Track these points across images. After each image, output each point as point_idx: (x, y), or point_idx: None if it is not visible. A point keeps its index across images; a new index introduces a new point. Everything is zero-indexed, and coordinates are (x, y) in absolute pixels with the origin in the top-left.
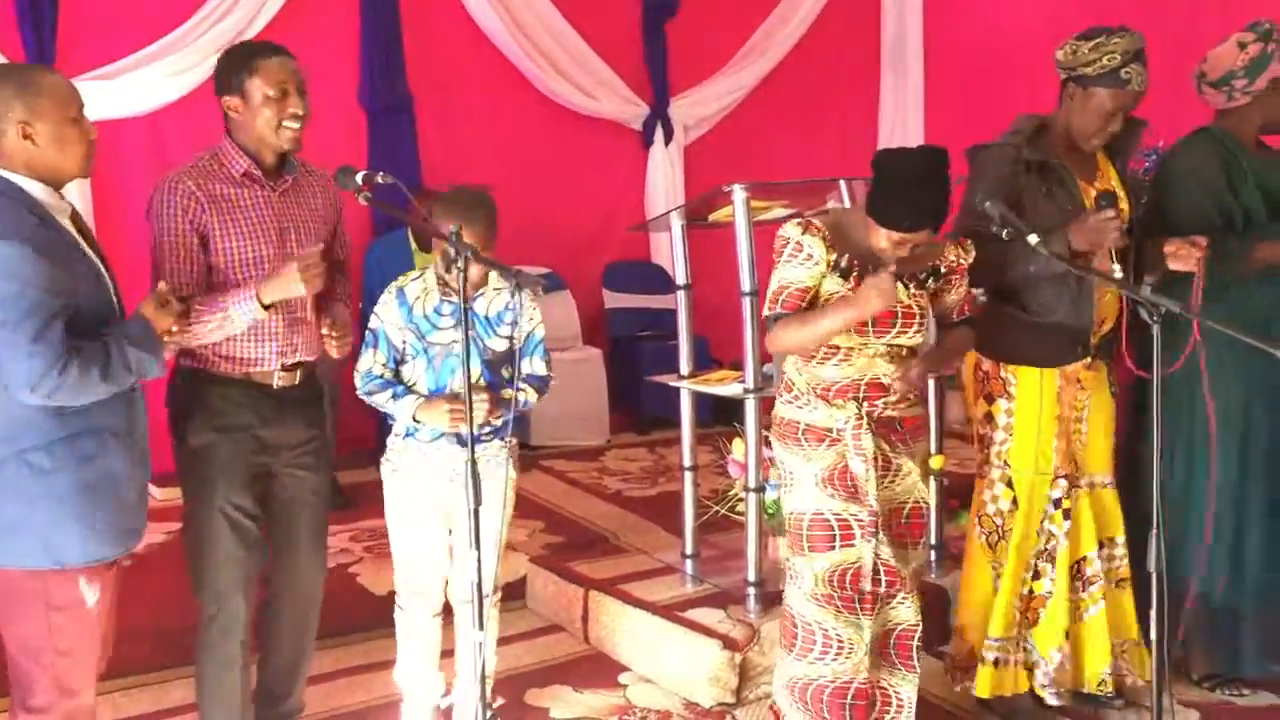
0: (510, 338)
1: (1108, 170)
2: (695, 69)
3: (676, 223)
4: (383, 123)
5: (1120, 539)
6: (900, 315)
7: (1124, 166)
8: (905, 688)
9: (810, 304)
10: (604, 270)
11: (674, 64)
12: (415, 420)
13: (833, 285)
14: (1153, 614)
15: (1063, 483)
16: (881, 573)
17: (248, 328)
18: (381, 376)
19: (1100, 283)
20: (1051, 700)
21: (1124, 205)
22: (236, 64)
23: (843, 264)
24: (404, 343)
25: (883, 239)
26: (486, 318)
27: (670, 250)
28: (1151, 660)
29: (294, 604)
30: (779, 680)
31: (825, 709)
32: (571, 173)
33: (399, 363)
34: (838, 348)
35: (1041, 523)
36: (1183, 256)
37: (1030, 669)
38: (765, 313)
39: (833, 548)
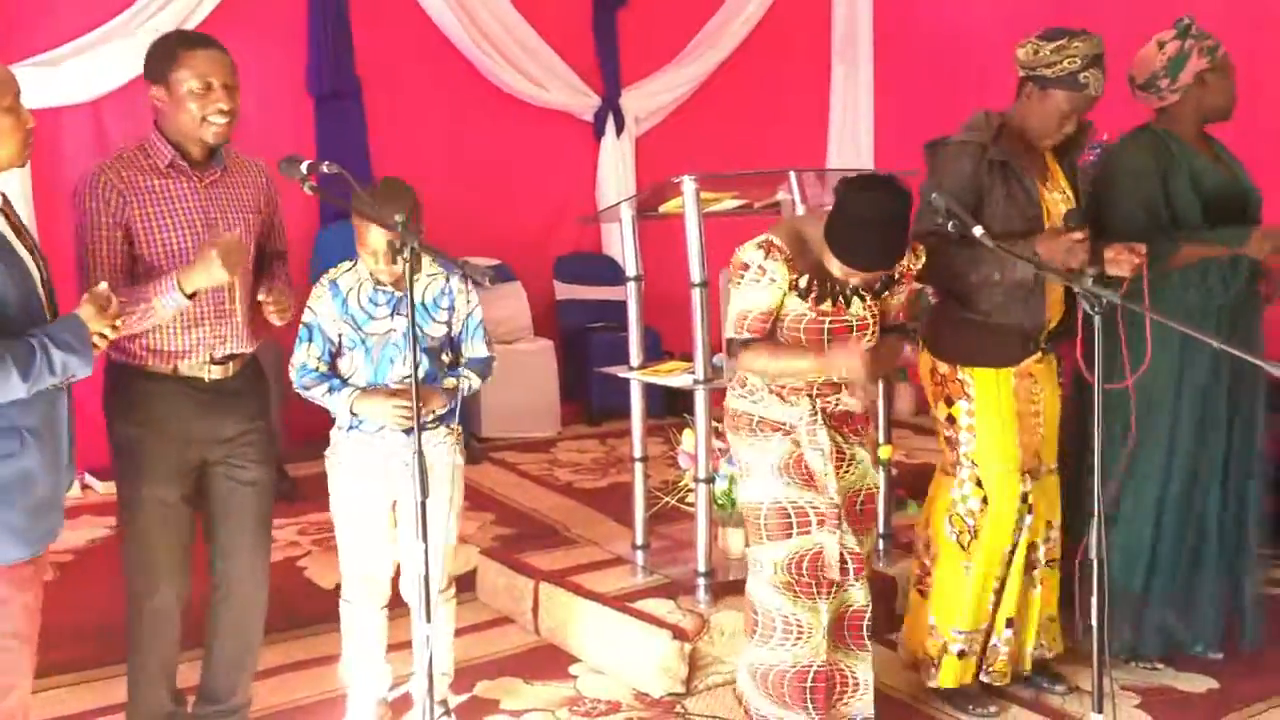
0: (448, 323)
1: (1056, 170)
2: (646, 60)
3: (627, 214)
4: (330, 110)
5: (1057, 521)
6: (855, 328)
7: (1071, 166)
8: (861, 667)
9: (774, 321)
10: (555, 262)
11: (625, 55)
12: (353, 413)
13: (794, 305)
14: (1094, 601)
15: (1027, 478)
16: (849, 561)
17: (173, 319)
18: (317, 370)
19: (1050, 278)
20: (996, 682)
21: (1067, 195)
22: (163, 54)
23: (802, 285)
24: (340, 335)
25: (838, 269)
26: (423, 304)
27: (621, 242)
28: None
29: (237, 598)
30: (743, 667)
31: (787, 693)
32: (522, 164)
33: (334, 356)
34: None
35: (1016, 521)
36: (1121, 262)
37: (980, 654)
38: (730, 335)
39: (790, 535)
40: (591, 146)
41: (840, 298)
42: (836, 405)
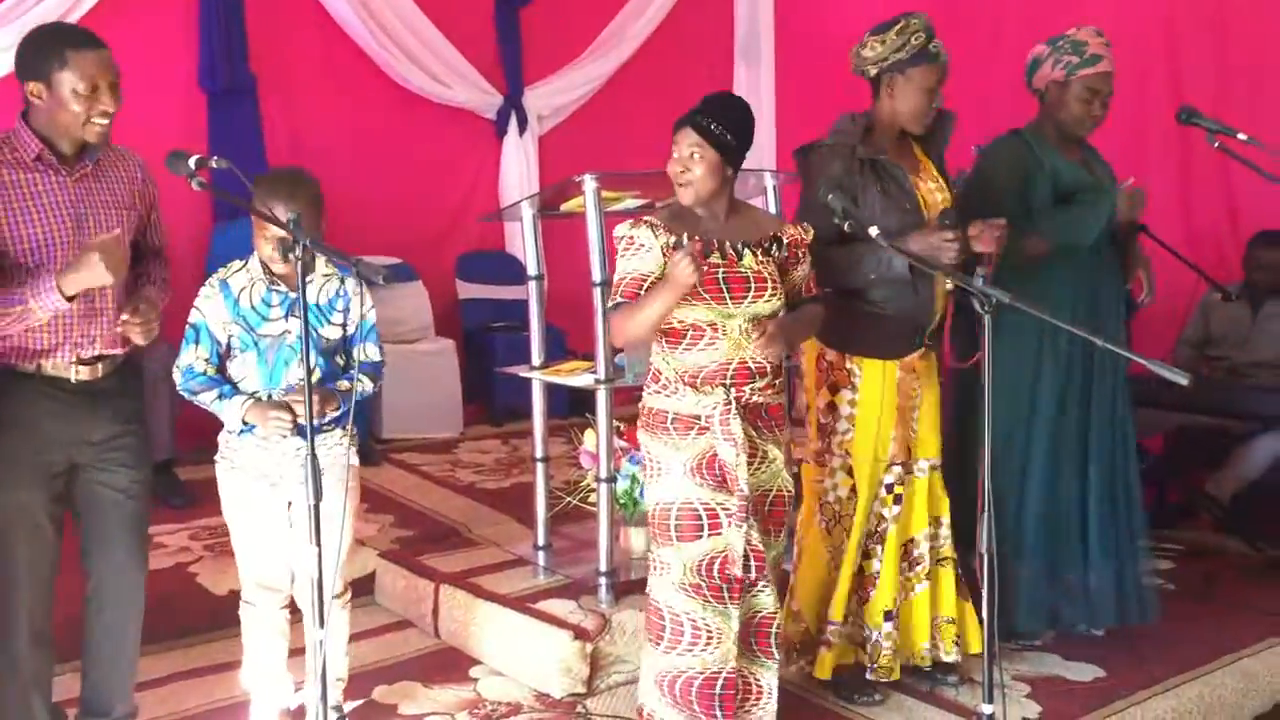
0: (343, 324)
1: (926, 162)
2: (550, 58)
3: (527, 212)
4: (224, 106)
5: (945, 519)
6: (752, 281)
7: (940, 158)
8: (766, 675)
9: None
10: (457, 260)
11: (528, 53)
12: (245, 422)
13: None
14: (984, 593)
15: (897, 469)
16: (751, 559)
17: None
18: (204, 374)
19: (939, 275)
20: (882, 678)
21: (945, 196)
22: (45, 52)
23: (684, 242)
24: (230, 337)
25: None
26: (318, 305)
27: (523, 241)
28: (971, 633)
29: (112, 605)
30: (647, 677)
31: (695, 700)
32: (423, 161)
33: (223, 358)
34: (703, 330)
35: (873, 507)
36: (984, 238)
37: (861, 645)
38: (608, 304)
39: (700, 536)
40: (494, 145)
41: (731, 251)
42: (750, 396)
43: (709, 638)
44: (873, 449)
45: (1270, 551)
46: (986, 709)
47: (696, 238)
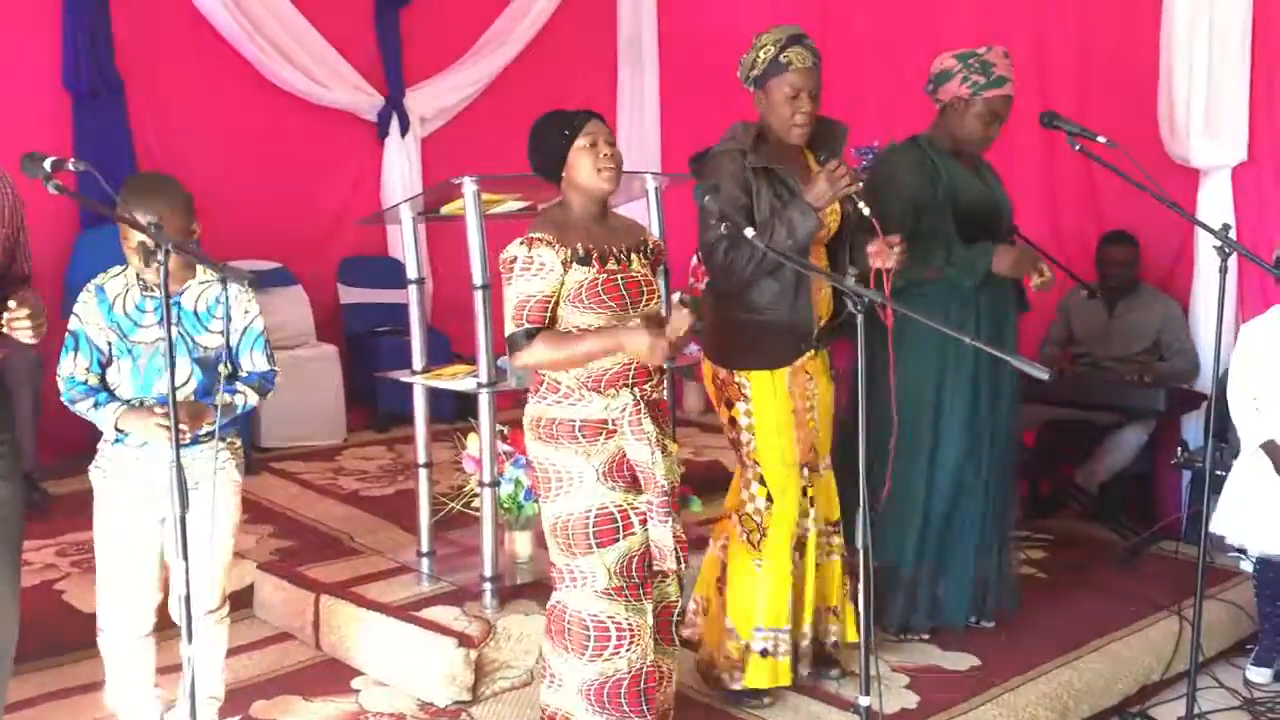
0: (224, 333)
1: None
2: (432, 60)
3: (407, 215)
4: (89, 108)
5: (835, 516)
6: (643, 284)
7: None
8: (667, 661)
9: (555, 305)
10: (339, 264)
11: (410, 54)
12: (118, 429)
13: (579, 275)
14: (860, 588)
15: (805, 471)
16: (679, 551)
17: None
18: (85, 383)
19: (811, 275)
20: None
21: (834, 206)
22: None
23: (581, 251)
24: (109, 344)
25: (586, 173)
26: (195, 312)
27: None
28: (849, 624)
29: None
30: (570, 690)
31: (625, 701)
32: (302, 164)
33: (104, 365)
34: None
35: (799, 517)
36: (883, 254)
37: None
38: (511, 330)
39: (618, 539)
40: (376, 147)
41: (621, 256)
42: (650, 394)
43: (632, 637)
44: (779, 455)
45: (1136, 538)
46: (864, 700)
47: (686, 318)
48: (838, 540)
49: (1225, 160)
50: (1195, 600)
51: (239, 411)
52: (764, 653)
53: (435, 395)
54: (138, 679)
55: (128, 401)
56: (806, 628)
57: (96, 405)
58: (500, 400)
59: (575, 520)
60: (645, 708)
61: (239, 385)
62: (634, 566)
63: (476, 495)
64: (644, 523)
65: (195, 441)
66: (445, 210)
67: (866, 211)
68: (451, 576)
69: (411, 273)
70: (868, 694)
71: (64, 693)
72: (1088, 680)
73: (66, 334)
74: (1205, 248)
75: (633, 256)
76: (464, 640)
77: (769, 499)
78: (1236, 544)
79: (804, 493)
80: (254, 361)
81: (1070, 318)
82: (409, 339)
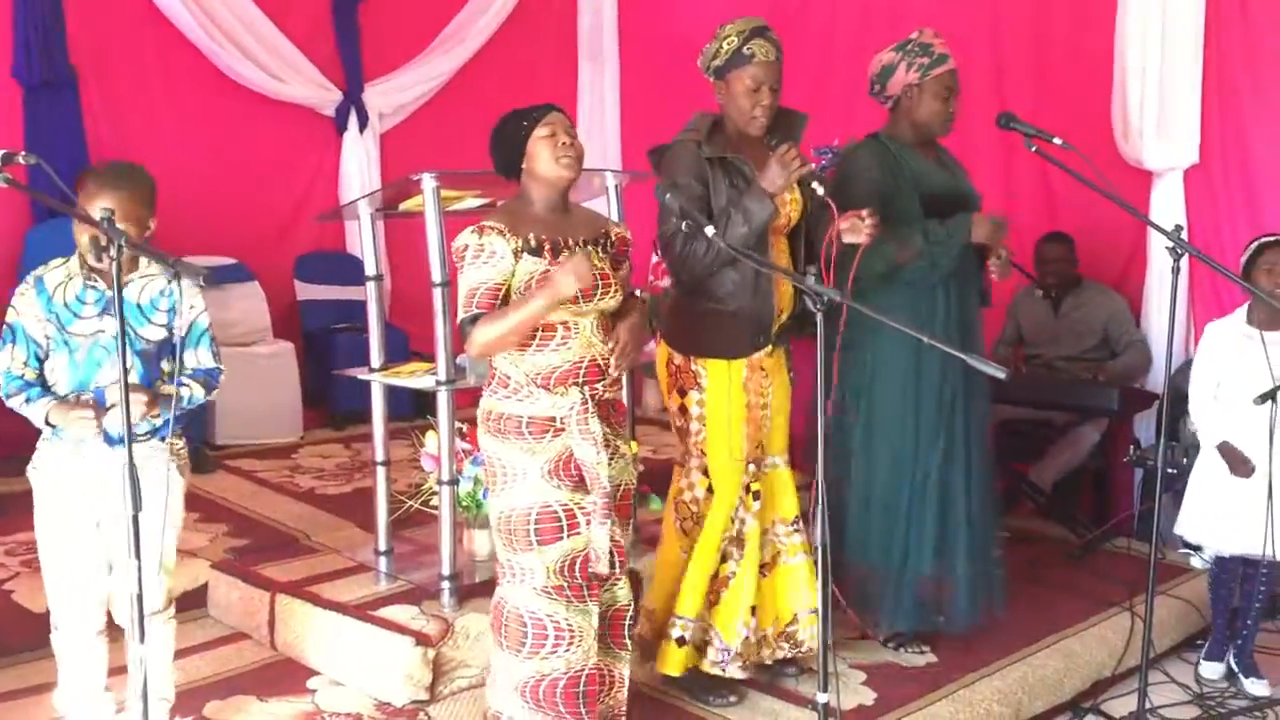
0: (167, 326)
1: None
2: (391, 55)
3: (365, 211)
4: (41, 100)
5: (794, 516)
6: (598, 278)
7: None
8: (620, 666)
9: (505, 299)
10: (296, 261)
11: (368, 49)
12: (49, 424)
13: (530, 266)
14: (818, 584)
15: (751, 467)
16: (615, 554)
17: None
18: (21, 377)
19: (771, 272)
20: (738, 674)
21: (795, 196)
22: None
23: (533, 242)
24: (47, 337)
25: (545, 162)
26: (139, 305)
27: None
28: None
29: None
30: (504, 686)
31: (560, 701)
32: (259, 160)
33: (42, 360)
34: (554, 329)
35: (736, 509)
36: (856, 228)
37: (701, 647)
38: (461, 316)
39: (561, 538)
40: (334, 142)
41: (577, 249)
42: (602, 393)
43: (572, 638)
44: (726, 448)
45: (1089, 535)
46: (822, 697)
47: (587, 249)
48: (800, 539)
49: (1177, 162)
50: (1147, 596)
51: (185, 405)
52: (680, 640)
53: (393, 393)
54: (90, 678)
55: (63, 397)
56: (753, 621)
57: (29, 400)
58: (459, 398)
59: (517, 516)
60: (583, 709)
61: (184, 379)
62: (578, 567)
63: (435, 493)
64: (590, 522)
65: (136, 440)
66: (404, 207)
67: (820, 191)
68: (409, 575)
69: (370, 269)
70: (826, 691)
71: (15, 694)
72: (1042, 676)
73: (4, 327)
74: (1158, 249)
75: (590, 249)
76: (421, 639)
77: (709, 490)
78: (1195, 543)
79: (746, 488)
80: (199, 359)
81: (1019, 318)
82: (367, 336)
